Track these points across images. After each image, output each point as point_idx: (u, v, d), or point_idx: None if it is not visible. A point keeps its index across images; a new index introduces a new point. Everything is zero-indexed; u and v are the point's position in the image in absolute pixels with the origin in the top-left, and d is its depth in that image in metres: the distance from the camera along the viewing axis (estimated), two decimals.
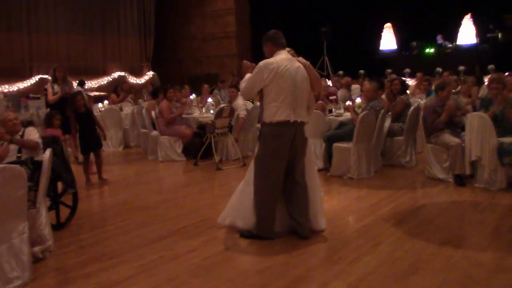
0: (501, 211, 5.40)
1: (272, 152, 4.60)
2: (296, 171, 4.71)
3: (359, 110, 7.40)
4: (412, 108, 7.86)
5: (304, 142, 4.75)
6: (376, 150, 7.54)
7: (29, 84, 15.00)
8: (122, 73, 17.83)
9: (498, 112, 6.29)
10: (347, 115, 7.78)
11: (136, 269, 4.10)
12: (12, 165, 3.77)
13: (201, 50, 19.23)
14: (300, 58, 4.76)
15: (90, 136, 7.43)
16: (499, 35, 15.82)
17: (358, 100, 8.04)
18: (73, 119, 7.52)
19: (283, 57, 4.61)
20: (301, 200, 4.72)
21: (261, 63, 4.58)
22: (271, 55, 4.68)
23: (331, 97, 8.79)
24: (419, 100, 9.24)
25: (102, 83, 16.95)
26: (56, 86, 8.57)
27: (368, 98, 7.40)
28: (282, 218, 4.80)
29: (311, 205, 4.78)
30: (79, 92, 7.99)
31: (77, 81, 13.58)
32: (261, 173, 4.67)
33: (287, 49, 4.78)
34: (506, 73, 9.71)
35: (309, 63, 4.74)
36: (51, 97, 8.58)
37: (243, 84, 4.76)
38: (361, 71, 15.86)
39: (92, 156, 7.57)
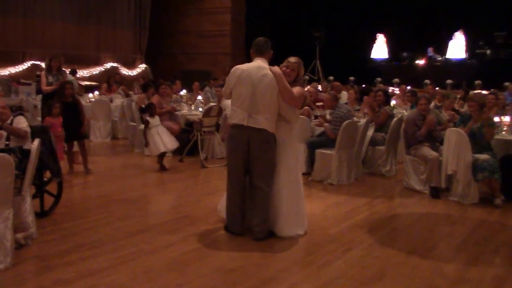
0: (471, 225, 5.63)
1: (230, 151, 5.03)
2: (254, 174, 4.91)
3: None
4: (395, 119, 8.08)
5: (262, 147, 4.83)
6: (358, 158, 7.75)
7: (21, 69, 15.02)
8: (115, 64, 17.91)
9: (476, 130, 6.51)
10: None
11: (115, 260, 4.25)
12: (1, 154, 3.90)
13: (195, 46, 19.37)
14: (274, 68, 4.86)
15: (74, 126, 7.50)
16: (488, 52, 16.13)
17: None
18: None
19: (252, 64, 4.88)
20: (256, 203, 4.91)
21: (232, 68, 4.95)
22: (252, 60, 4.98)
23: (318, 103, 8.96)
24: (403, 112, 9.46)
25: (94, 72, 17.00)
26: (50, 77, 8.62)
27: (329, 108, 7.67)
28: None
29: (281, 211, 4.92)
30: (68, 82, 8.08)
31: (69, 70, 13.66)
32: (227, 171, 5.08)
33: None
34: (487, 92, 9.99)
35: (279, 72, 4.81)
36: (44, 87, 8.58)
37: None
38: (351, 78, 16.08)
39: (77, 146, 7.71)
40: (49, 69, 8.64)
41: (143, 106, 8.50)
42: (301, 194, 5.12)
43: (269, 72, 4.79)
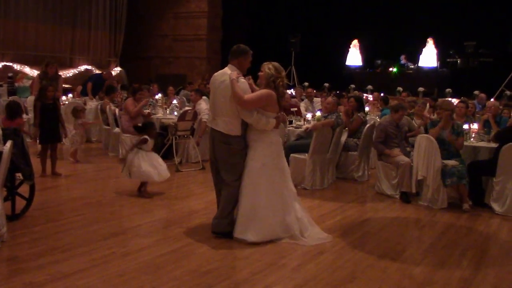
0: (439, 229, 5.77)
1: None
2: (220, 173, 5.06)
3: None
4: (367, 125, 8.22)
5: (222, 148, 4.95)
6: (331, 163, 7.86)
7: None
8: (89, 67, 17.72)
9: (445, 136, 6.68)
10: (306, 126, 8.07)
11: (88, 263, 4.24)
12: None
13: (171, 50, 19.33)
14: (232, 73, 4.89)
15: (51, 128, 7.48)
16: (458, 61, 16.50)
17: (318, 113, 8.35)
18: (38, 109, 7.51)
19: (221, 71, 5.09)
20: (221, 199, 5.10)
21: None
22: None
23: (292, 109, 9.06)
24: (376, 118, 9.63)
25: (68, 75, 16.78)
26: (44, 82, 8.42)
27: (328, 111, 7.77)
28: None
29: (238, 211, 4.99)
30: (51, 84, 8.00)
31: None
32: None
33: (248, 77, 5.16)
34: (456, 100, 10.25)
35: (232, 77, 4.82)
36: (36, 93, 8.34)
37: None
38: (326, 85, 16.26)
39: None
40: (45, 74, 8.45)
41: (139, 125, 7.14)
42: (263, 201, 4.91)
43: (227, 78, 4.89)
